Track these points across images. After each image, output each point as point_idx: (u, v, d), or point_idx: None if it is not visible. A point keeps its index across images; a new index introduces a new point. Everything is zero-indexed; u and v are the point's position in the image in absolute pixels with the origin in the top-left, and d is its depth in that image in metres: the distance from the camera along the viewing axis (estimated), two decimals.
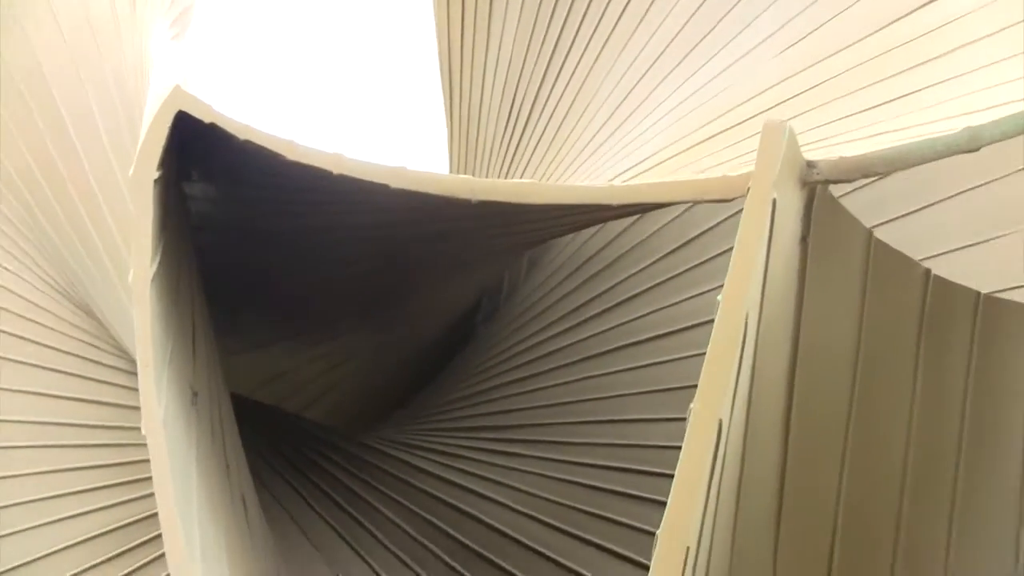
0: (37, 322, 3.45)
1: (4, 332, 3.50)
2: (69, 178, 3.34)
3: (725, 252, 2.57)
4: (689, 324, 3.34)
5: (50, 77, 3.54)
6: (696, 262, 3.42)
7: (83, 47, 3.45)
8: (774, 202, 1.68)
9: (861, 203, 2.79)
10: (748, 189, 1.67)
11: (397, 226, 2.84)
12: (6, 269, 3.52)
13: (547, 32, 3.25)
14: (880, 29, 2.39)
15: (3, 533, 3.35)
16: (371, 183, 2.24)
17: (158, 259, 2.21)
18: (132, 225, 2.30)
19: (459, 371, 3.82)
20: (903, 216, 3.12)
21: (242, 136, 2.36)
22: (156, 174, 2.24)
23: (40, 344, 3.44)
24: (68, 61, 3.47)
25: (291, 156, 2.40)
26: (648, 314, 3.44)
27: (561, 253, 3.62)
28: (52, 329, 3.43)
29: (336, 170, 2.26)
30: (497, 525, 3.50)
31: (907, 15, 2.43)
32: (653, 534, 1.72)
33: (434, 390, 3.85)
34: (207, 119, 2.27)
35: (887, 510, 2.17)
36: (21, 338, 3.43)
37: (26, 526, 3.29)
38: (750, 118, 2.47)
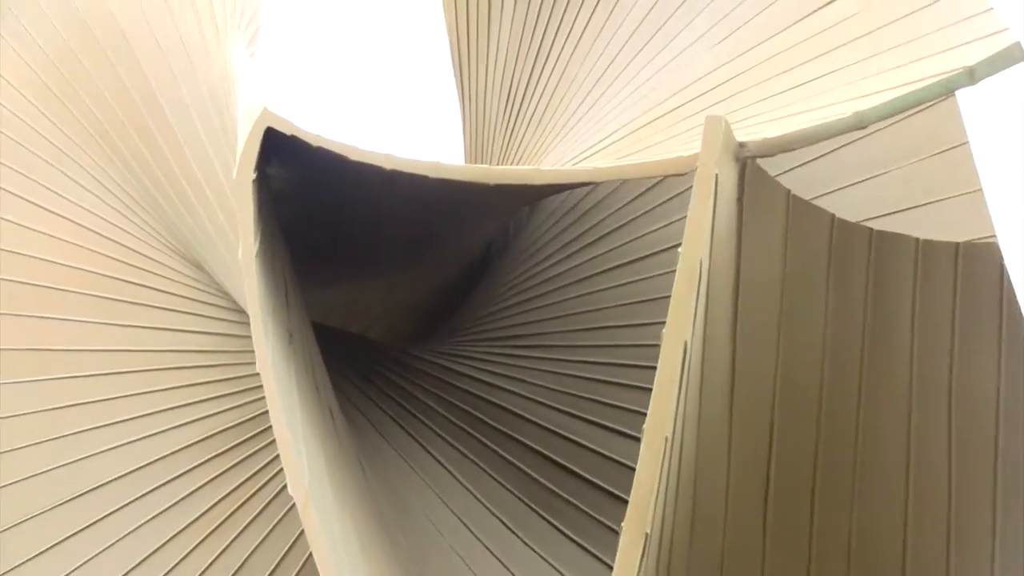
0: (157, 273, 3.73)
1: (133, 283, 3.90)
2: (177, 166, 3.69)
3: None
4: (659, 249, 3.60)
5: (156, 87, 4.01)
6: (664, 199, 3.69)
7: (180, 63, 3.77)
8: (716, 176, 2.00)
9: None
10: (696, 167, 2.01)
11: (433, 201, 3.15)
12: (131, 234, 3.85)
13: (534, 30, 3.55)
14: (789, 27, 2.65)
15: (137, 438, 3.67)
16: (413, 175, 2.50)
17: (258, 239, 2.52)
18: (237, 215, 2.61)
19: (481, 296, 4.14)
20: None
21: (315, 144, 2.78)
22: (253, 175, 2.51)
23: (160, 291, 3.76)
24: (169, 75, 3.83)
25: (353, 157, 2.74)
26: (626, 243, 3.70)
27: (554, 200, 3.88)
28: (169, 279, 3.72)
29: (387, 166, 2.54)
30: (519, 412, 3.86)
31: (811, 14, 2.64)
32: (641, 413, 1.95)
33: (465, 311, 4.15)
34: (288, 132, 2.53)
35: (808, 408, 2.43)
36: (145, 287, 3.71)
37: (151, 432, 3.50)
38: (693, 99, 2.79)
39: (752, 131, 2.31)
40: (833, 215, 2.41)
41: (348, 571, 2.50)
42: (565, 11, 3.70)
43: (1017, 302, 2.57)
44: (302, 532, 3.19)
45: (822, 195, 3.05)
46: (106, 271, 3.88)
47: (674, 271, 2.00)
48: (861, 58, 2.52)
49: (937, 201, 3.22)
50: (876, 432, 2.60)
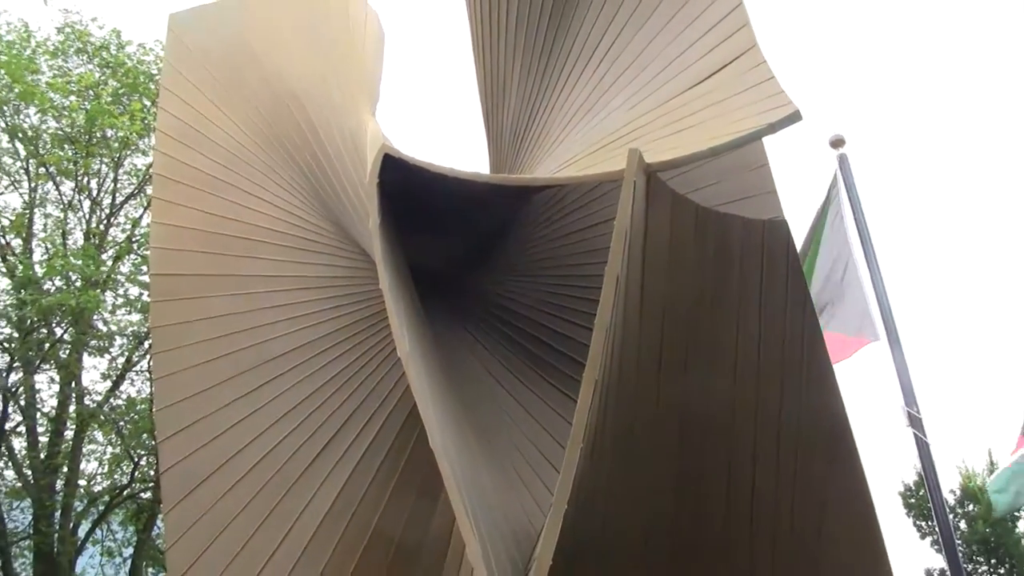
0: (314, 232, 6.20)
1: (301, 237, 6.21)
2: (331, 173, 5.93)
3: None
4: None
5: (320, 128, 6.26)
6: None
7: (336, 117, 6.10)
8: (634, 183, 3.65)
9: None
10: (623, 176, 3.67)
11: (479, 192, 5.07)
12: (299, 209, 6.28)
13: (537, 91, 5.56)
14: (672, 98, 4.56)
15: (307, 325, 6.00)
16: (486, 183, 4.48)
17: (379, 215, 4.40)
18: (367, 202, 4.53)
19: (517, 240, 6.12)
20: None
21: (412, 163, 4.55)
22: (376, 180, 4.38)
23: (316, 242, 6.17)
24: (328, 122, 6.18)
25: (450, 175, 4.40)
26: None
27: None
28: (322, 236, 6.17)
29: (477, 179, 4.51)
30: (559, 331, 5.85)
31: (694, 86, 4.52)
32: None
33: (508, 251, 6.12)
34: (395, 155, 4.47)
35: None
36: (307, 239, 6.18)
37: (317, 320, 5.91)
38: (621, 136, 4.58)
39: (652, 155, 4.19)
40: (696, 203, 4.28)
41: (433, 408, 4.37)
42: (556, 91, 5.64)
43: (799, 267, 4.50)
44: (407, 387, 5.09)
45: (693, 191, 5.02)
46: (285, 229, 5.93)
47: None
48: (713, 116, 4.44)
49: (751, 196, 5.21)
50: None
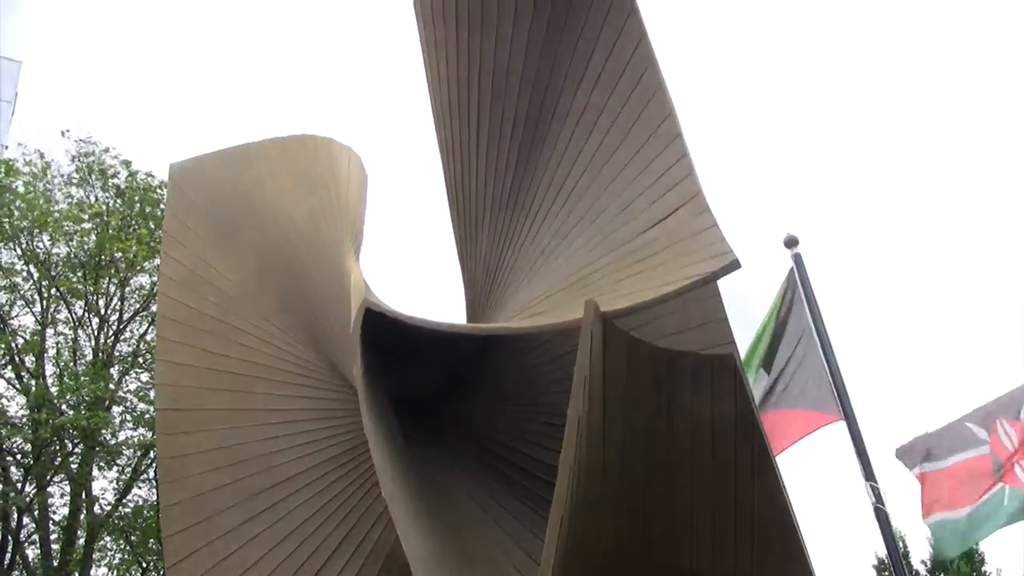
0: (304, 365, 6.44)
1: (291, 376, 6.33)
2: (321, 312, 6.16)
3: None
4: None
5: (311, 271, 6.59)
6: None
7: (323, 262, 6.42)
8: (591, 331, 3.86)
9: None
10: (581, 324, 3.93)
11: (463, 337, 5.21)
12: (292, 345, 6.45)
13: (504, 243, 5.87)
14: (630, 240, 4.83)
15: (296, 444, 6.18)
16: (459, 332, 4.72)
17: (362, 357, 4.61)
18: (352, 344, 4.69)
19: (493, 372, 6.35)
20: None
21: (391, 315, 4.82)
22: (359, 328, 4.61)
23: (305, 375, 6.38)
24: (317, 265, 6.48)
25: (425, 327, 4.64)
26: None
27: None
28: (312, 369, 6.41)
29: (450, 330, 4.74)
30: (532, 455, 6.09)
31: (646, 230, 4.81)
32: None
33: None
34: (377, 309, 4.68)
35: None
36: (296, 373, 6.39)
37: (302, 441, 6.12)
38: (586, 276, 4.86)
39: (608, 302, 4.42)
40: (650, 345, 4.50)
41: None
42: (523, 232, 5.95)
43: (747, 396, 4.74)
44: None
45: (652, 319, 5.28)
46: (283, 366, 6.18)
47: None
48: (662, 262, 4.71)
49: (706, 324, 5.51)
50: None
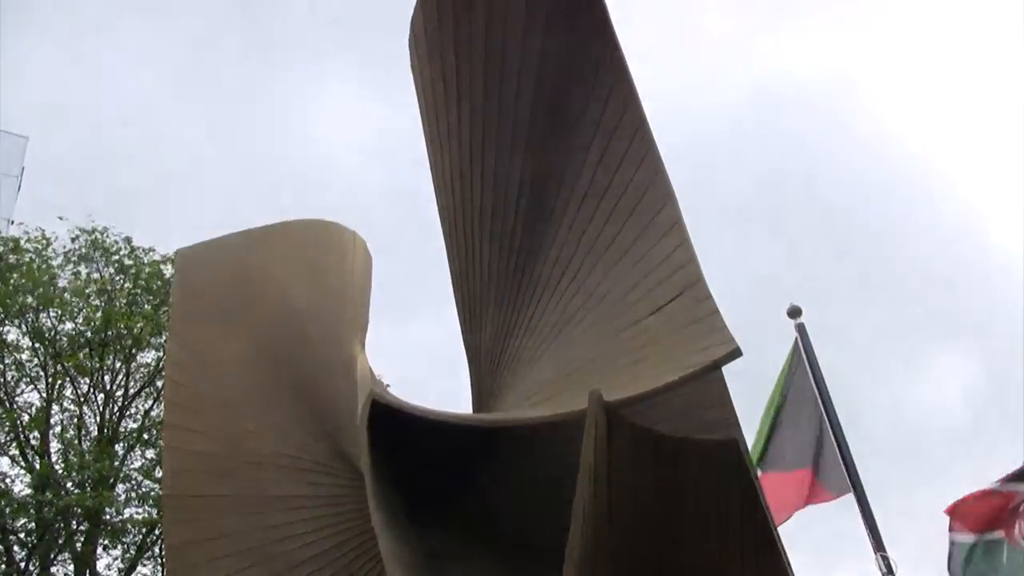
0: (312, 452, 6.36)
1: (300, 461, 6.31)
2: (327, 396, 6.23)
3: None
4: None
5: (321, 362, 6.55)
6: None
7: (330, 354, 6.38)
8: (596, 421, 3.90)
9: None
10: (586, 415, 3.93)
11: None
12: (299, 429, 6.43)
13: (507, 332, 5.75)
14: (632, 325, 4.85)
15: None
16: (467, 424, 4.73)
17: (369, 448, 4.59)
18: (360, 435, 4.68)
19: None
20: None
21: (395, 405, 4.83)
22: (366, 418, 4.63)
23: (309, 462, 6.21)
24: (325, 362, 6.42)
25: (431, 417, 4.63)
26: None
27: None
28: (320, 459, 6.27)
29: (455, 420, 4.73)
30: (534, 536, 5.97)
31: (649, 316, 4.85)
32: None
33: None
34: (383, 401, 4.70)
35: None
36: (305, 459, 6.26)
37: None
38: (590, 361, 4.83)
39: (612, 390, 4.45)
40: (655, 433, 4.53)
41: None
42: (527, 317, 5.98)
43: (751, 483, 4.77)
44: None
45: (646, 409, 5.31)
46: (290, 452, 6.16)
47: None
48: (665, 349, 4.74)
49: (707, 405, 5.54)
50: None
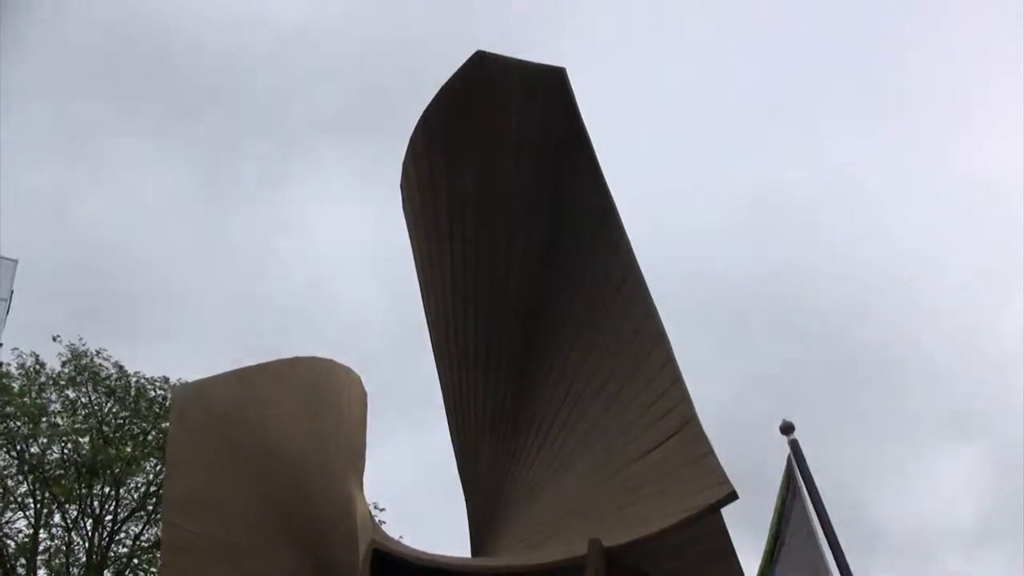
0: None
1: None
2: (323, 536, 5.96)
3: None
4: None
5: (311, 493, 6.45)
6: None
7: (317, 480, 6.00)
8: (596, 567, 3.91)
9: None
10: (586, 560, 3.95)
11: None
12: (293, 569, 6.14)
13: (504, 468, 5.68)
14: (629, 464, 4.83)
15: None
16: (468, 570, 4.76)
17: None
18: None
19: None
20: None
21: (396, 553, 4.79)
22: (368, 571, 4.61)
23: None
24: (315, 486, 6.05)
25: (431, 564, 4.65)
26: None
27: None
28: None
29: (453, 565, 4.76)
30: None
31: (645, 455, 4.84)
32: None
33: None
34: (384, 549, 4.72)
35: None
36: None
37: None
38: (589, 501, 4.83)
39: (610, 533, 4.49)
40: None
41: None
42: (522, 455, 6.04)
43: None
44: None
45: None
46: None
47: None
48: (662, 490, 4.78)
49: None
50: None
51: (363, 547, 5.09)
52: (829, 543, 11.67)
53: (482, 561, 5.86)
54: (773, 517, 12.44)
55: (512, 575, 5.48)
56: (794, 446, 12.70)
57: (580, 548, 4.40)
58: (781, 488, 12.62)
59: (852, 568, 11.61)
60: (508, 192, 6.13)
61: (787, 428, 12.88)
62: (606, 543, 4.38)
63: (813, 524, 12.05)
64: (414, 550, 5.18)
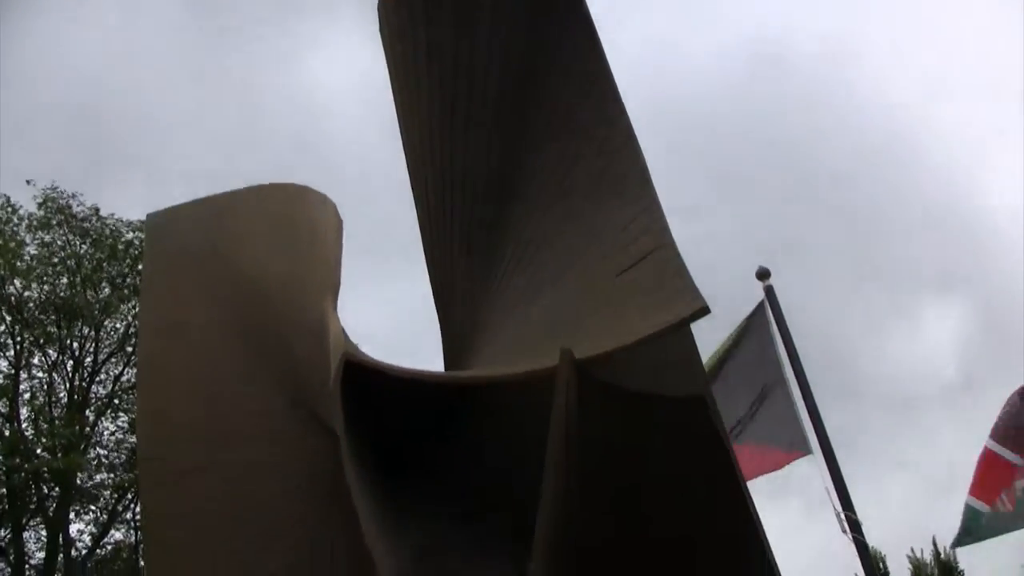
0: (282, 421, 6.30)
1: (271, 431, 6.39)
2: (298, 359, 6.22)
3: None
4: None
5: (285, 319, 6.58)
6: None
7: (291, 306, 6.16)
8: (567, 377, 3.93)
9: None
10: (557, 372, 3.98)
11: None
12: (271, 397, 6.41)
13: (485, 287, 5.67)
14: (603, 280, 4.88)
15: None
16: (441, 381, 4.74)
17: (342, 408, 4.66)
18: (334, 409, 4.69)
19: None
20: None
21: (369, 364, 4.82)
22: (339, 385, 4.60)
23: (284, 423, 6.28)
24: (288, 312, 6.39)
25: (406, 376, 4.66)
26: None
27: None
28: (294, 429, 6.25)
29: (430, 379, 4.75)
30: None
31: (620, 273, 4.87)
32: None
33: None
34: (355, 361, 4.73)
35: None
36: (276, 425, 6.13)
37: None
38: (560, 321, 4.83)
39: (582, 347, 4.49)
40: (624, 390, 4.59)
41: None
42: (498, 278, 5.94)
43: (719, 438, 4.86)
44: None
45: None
46: (260, 418, 6.17)
47: None
48: (635, 306, 4.78)
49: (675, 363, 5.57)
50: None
51: (335, 361, 5.07)
52: (801, 391, 11.95)
53: (456, 374, 5.90)
54: (723, 344, 12.72)
55: (489, 386, 5.55)
56: (768, 292, 12.86)
57: (553, 360, 4.39)
58: (739, 326, 12.83)
59: (828, 419, 11.99)
60: (488, 20, 5.99)
61: (763, 274, 13.01)
62: (578, 355, 4.37)
63: (784, 371, 12.28)
64: (387, 363, 5.17)
